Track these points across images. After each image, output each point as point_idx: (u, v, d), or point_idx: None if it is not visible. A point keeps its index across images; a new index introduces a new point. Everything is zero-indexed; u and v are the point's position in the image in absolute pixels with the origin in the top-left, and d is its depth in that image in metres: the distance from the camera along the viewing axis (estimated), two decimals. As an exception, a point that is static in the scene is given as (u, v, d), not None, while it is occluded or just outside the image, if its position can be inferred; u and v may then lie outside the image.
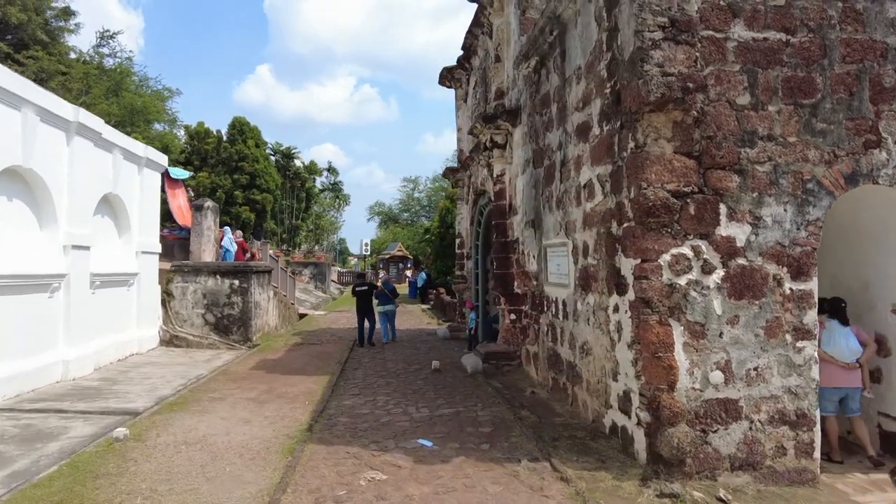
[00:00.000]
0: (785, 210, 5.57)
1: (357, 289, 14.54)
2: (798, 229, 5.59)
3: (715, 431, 5.33)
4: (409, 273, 51.65)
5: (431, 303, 27.18)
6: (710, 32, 5.49)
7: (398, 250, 54.46)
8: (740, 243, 5.48)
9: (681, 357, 5.35)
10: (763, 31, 5.58)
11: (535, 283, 9.18)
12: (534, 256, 9.04)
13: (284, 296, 19.07)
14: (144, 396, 8.28)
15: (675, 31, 5.40)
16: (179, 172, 16.48)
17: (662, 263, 5.40)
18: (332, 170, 52.85)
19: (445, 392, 8.79)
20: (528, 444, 6.26)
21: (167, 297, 13.96)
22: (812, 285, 5.62)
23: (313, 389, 8.96)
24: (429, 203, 65.56)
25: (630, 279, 5.61)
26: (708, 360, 5.39)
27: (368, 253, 54.46)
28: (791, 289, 5.56)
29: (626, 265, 5.68)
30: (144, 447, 6.07)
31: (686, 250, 5.43)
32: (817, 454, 5.45)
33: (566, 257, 7.45)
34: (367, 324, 14.20)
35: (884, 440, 6.14)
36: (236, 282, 14.27)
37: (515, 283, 10.24)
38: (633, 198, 5.52)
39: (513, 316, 10.23)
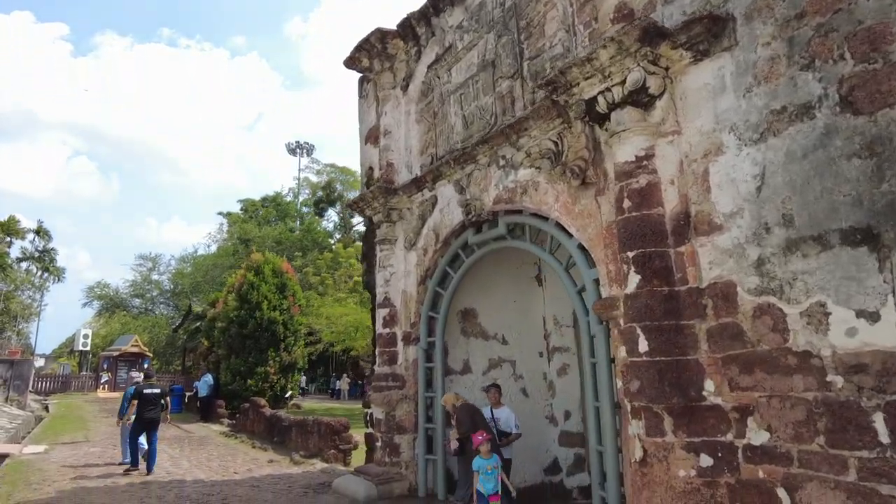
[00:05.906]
0: None
1: (145, 392, 10.27)
2: None
3: None
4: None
5: (230, 422, 18.11)
6: None
7: (133, 345, 41.13)
8: None
9: None
10: None
11: (826, 379, 3.79)
12: (845, 321, 3.72)
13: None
14: None
15: None
16: None
17: None
18: (41, 232, 37.77)
19: None
20: None
21: None
22: None
23: None
24: (173, 288, 53.89)
25: None
26: None
27: (88, 348, 39.32)
28: None
29: None
30: None
31: None
32: None
33: None
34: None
35: None
36: None
37: (707, 383, 4.63)
38: None
39: (705, 461, 4.48)
